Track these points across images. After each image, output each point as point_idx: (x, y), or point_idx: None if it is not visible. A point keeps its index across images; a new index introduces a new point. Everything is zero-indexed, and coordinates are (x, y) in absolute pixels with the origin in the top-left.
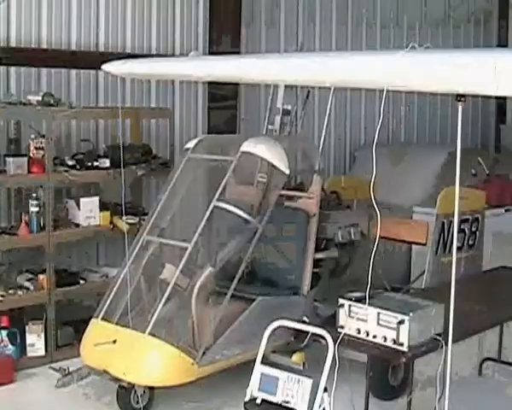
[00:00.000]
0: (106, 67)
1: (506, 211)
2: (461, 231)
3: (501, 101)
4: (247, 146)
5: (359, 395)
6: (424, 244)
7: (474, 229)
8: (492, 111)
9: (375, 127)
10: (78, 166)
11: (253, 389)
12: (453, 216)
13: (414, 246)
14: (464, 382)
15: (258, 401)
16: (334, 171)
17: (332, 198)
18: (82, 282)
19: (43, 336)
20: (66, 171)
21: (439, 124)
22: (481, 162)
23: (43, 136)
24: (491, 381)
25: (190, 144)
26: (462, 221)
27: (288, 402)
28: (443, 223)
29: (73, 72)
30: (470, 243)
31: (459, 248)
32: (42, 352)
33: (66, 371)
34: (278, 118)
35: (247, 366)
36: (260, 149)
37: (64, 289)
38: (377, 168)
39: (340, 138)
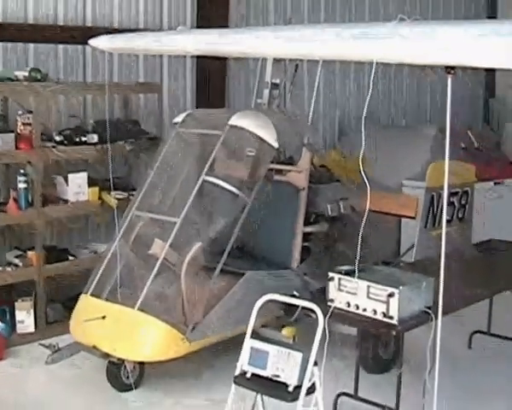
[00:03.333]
0: (93, 42)
1: (495, 184)
2: (450, 204)
3: (490, 74)
4: (235, 120)
5: (349, 368)
6: (414, 218)
7: (463, 202)
8: (482, 85)
9: (365, 101)
10: (65, 142)
11: (243, 364)
12: (442, 189)
13: (403, 220)
14: (454, 355)
15: (249, 376)
16: (324, 145)
17: (321, 172)
18: (71, 258)
19: (32, 312)
20: (53, 147)
21: (429, 99)
22: (471, 137)
23: (31, 112)
24: (480, 354)
25: (178, 118)
26: (451, 194)
27: (278, 376)
28: (432, 196)
29: (60, 47)
30: (460, 216)
31: (448, 222)
32: (31, 329)
33: (56, 348)
34: (267, 92)
35: (238, 341)
36: (249, 122)
37: (53, 265)
38: (367, 145)
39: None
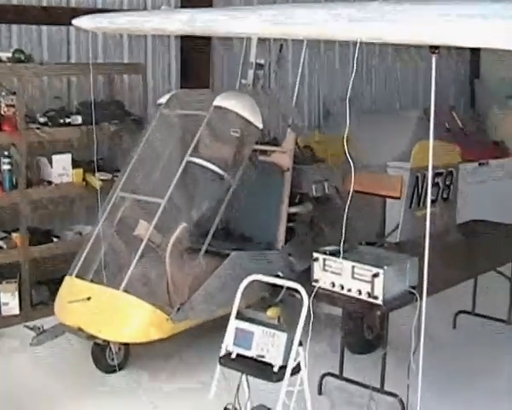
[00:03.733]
0: (76, 22)
1: (480, 165)
2: (435, 184)
3: (475, 55)
4: (219, 101)
5: (334, 349)
6: (398, 198)
7: (448, 183)
8: (466, 65)
9: (349, 82)
10: (50, 124)
11: (228, 344)
12: (427, 170)
13: (388, 200)
14: (439, 335)
15: (234, 356)
16: (308, 126)
17: (306, 153)
18: (56, 240)
19: (17, 295)
20: (37, 128)
21: (413, 80)
22: (455, 117)
23: (14, 93)
24: (465, 334)
25: (163, 99)
26: (435, 175)
27: (262, 357)
28: (417, 177)
29: (44, 28)
30: (444, 196)
31: (433, 202)
32: (16, 311)
33: (41, 330)
34: (251, 72)
35: (223, 322)
36: (233, 103)
37: (38, 247)
38: (352, 126)
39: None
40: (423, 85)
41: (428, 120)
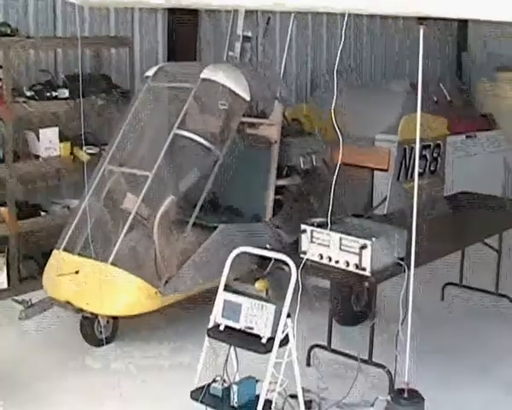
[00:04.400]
0: None
1: (467, 138)
2: (422, 157)
3: (462, 27)
4: (207, 73)
5: (323, 321)
6: (386, 170)
7: (435, 155)
8: (454, 39)
9: (337, 55)
10: (36, 97)
11: (217, 316)
12: (415, 142)
13: (376, 173)
14: (426, 306)
15: (222, 328)
16: (296, 99)
17: (293, 125)
18: (43, 214)
19: (5, 269)
20: (24, 102)
21: (401, 54)
22: (443, 90)
23: (1, 67)
24: (452, 305)
25: (150, 72)
26: (423, 147)
27: (251, 328)
28: (404, 149)
29: (31, 1)
30: (432, 169)
31: (421, 174)
32: (4, 285)
33: (29, 303)
34: (238, 45)
35: (211, 295)
36: (220, 75)
37: (25, 221)
38: (340, 99)
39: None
40: (411, 58)
41: (416, 93)
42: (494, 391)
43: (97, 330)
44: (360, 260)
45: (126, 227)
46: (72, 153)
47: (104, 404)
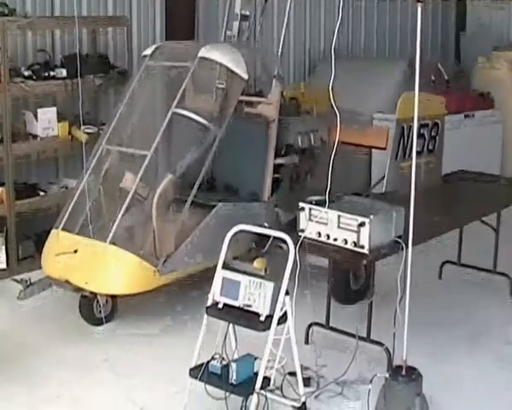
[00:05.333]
0: None
1: (465, 117)
2: (420, 136)
3: (461, 8)
4: (204, 52)
5: (321, 299)
6: (384, 148)
7: (433, 134)
8: (452, 18)
9: (335, 33)
10: (34, 77)
11: (215, 294)
12: (413, 121)
13: (374, 152)
14: (424, 285)
15: (220, 306)
16: (294, 78)
17: (291, 104)
18: (42, 194)
19: (3, 249)
20: (22, 82)
21: (399, 33)
22: (441, 69)
23: None
24: (450, 283)
25: (148, 51)
26: (421, 126)
27: (249, 306)
28: (402, 128)
29: None
30: (430, 147)
31: (419, 153)
32: (3, 265)
33: (28, 283)
34: (236, 24)
35: (209, 275)
36: (218, 54)
37: (24, 201)
38: (337, 77)
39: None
40: (409, 37)
41: (414, 72)
42: (485, 362)
43: (96, 310)
44: (358, 237)
45: (125, 206)
46: (70, 133)
47: (96, 377)
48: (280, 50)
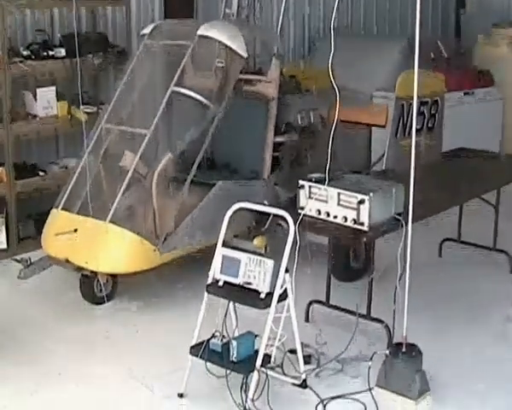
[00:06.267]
0: None
1: (465, 95)
2: (420, 113)
3: None
4: (203, 30)
5: (321, 277)
6: (384, 126)
7: (433, 112)
8: None
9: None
10: (33, 57)
11: (215, 272)
12: (412, 99)
13: (374, 130)
14: (424, 262)
15: (221, 284)
16: (293, 56)
17: (291, 82)
18: (41, 174)
19: (4, 229)
20: (21, 62)
21: (399, 11)
22: (441, 47)
23: None
24: (450, 261)
25: (147, 30)
26: (421, 104)
27: (249, 284)
28: (402, 106)
29: None
30: (430, 125)
31: (418, 131)
32: (4, 245)
33: (29, 263)
34: (235, 1)
35: (209, 254)
36: (217, 32)
37: (24, 181)
38: (337, 55)
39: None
40: (409, 14)
41: (414, 49)
42: (485, 338)
43: (97, 289)
44: (358, 215)
45: (124, 185)
46: (69, 112)
47: (98, 353)
48: (279, 28)
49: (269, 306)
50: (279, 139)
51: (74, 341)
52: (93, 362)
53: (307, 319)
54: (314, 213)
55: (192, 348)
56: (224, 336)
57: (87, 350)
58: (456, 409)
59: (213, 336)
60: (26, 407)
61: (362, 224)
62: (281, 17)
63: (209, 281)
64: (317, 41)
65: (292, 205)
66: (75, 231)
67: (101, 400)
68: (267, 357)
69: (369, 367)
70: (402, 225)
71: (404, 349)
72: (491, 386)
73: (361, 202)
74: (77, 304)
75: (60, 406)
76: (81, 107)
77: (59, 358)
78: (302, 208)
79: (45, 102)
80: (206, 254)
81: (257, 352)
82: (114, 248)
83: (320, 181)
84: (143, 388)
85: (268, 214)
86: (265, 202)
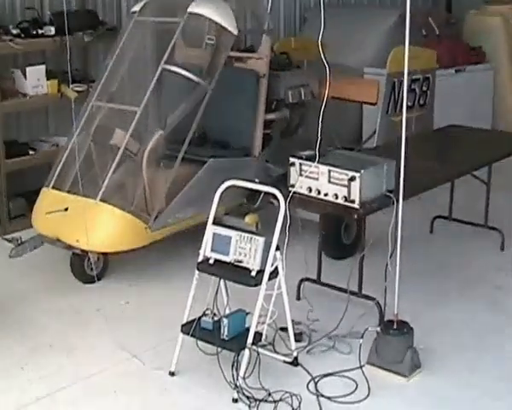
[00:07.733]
0: None
1: (456, 71)
2: (411, 90)
3: None
4: (194, 7)
5: (312, 254)
6: (374, 104)
7: (424, 88)
8: None
9: None
10: (22, 35)
11: (206, 250)
12: (403, 75)
13: (365, 107)
14: (416, 239)
15: (212, 262)
16: (284, 32)
17: (282, 59)
18: (32, 152)
19: None
20: (10, 40)
21: None
22: (432, 23)
23: None
24: (441, 238)
25: (137, 7)
26: (412, 81)
27: (240, 261)
28: (393, 82)
29: None
30: (421, 102)
31: (410, 108)
32: None
33: (20, 241)
34: None
35: (200, 232)
36: (208, 9)
37: (14, 160)
38: (328, 30)
39: None
40: None
41: (405, 25)
42: (475, 306)
43: (88, 267)
44: (349, 192)
45: (115, 163)
46: (59, 90)
47: (89, 326)
48: (270, 4)
49: (260, 283)
50: (270, 116)
51: (65, 314)
52: (84, 335)
53: (298, 297)
54: (305, 191)
55: (183, 326)
56: (215, 314)
57: (78, 323)
58: (445, 377)
59: (204, 313)
60: (18, 380)
61: (353, 201)
62: None
63: (200, 259)
64: (307, 13)
65: (283, 182)
66: (66, 209)
67: (92, 371)
68: (258, 335)
69: (361, 344)
70: (393, 203)
71: (395, 326)
72: (481, 354)
73: (352, 179)
74: (68, 278)
75: (51, 377)
76: (71, 85)
77: (50, 330)
78: (293, 186)
79: (35, 80)
80: (198, 232)
81: (248, 329)
82: (105, 227)
83: (311, 158)
84: (134, 359)
85: (259, 192)
86: (256, 180)
